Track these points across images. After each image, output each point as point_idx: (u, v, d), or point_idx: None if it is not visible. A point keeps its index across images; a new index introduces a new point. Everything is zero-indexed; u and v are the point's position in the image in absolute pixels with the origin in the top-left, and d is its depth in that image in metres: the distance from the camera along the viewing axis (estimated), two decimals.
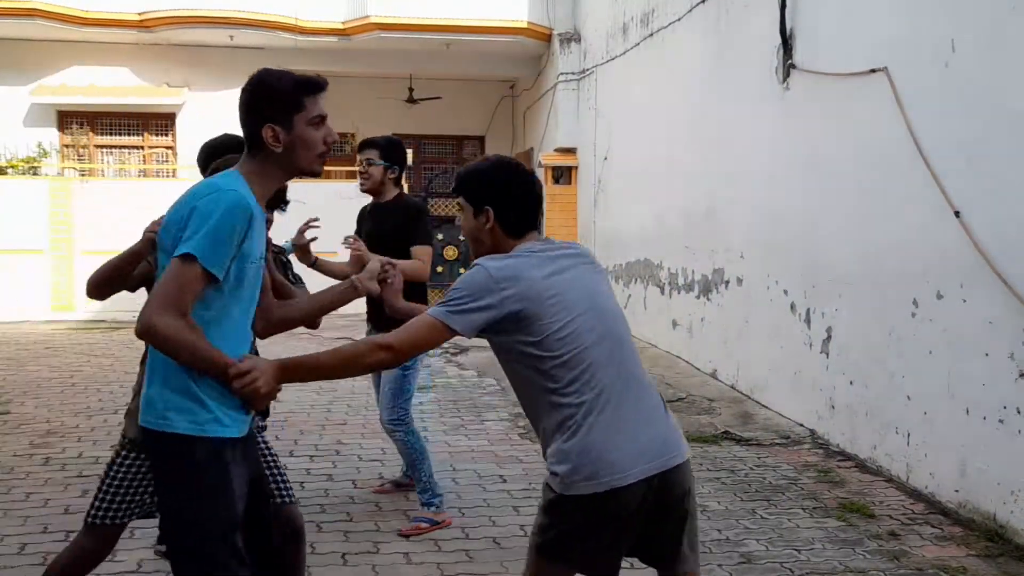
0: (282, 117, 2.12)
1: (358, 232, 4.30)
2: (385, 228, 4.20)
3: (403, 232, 4.16)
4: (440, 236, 12.77)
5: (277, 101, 2.13)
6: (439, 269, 12.74)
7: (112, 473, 2.79)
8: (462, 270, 12.73)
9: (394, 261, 2.60)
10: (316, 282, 3.13)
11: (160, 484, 2.17)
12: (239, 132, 2.24)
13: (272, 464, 2.96)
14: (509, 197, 2.34)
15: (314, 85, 2.16)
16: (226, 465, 2.12)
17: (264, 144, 2.13)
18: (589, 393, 2.18)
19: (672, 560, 2.31)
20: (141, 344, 6.85)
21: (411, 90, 14.94)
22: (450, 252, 12.77)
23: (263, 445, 2.99)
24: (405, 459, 4.31)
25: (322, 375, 2.40)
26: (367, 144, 4.32)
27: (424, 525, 4.11)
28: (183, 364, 2.07)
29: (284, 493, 2.94)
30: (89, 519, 2.82)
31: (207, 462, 2.09)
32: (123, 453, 2.79)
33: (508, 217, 2.33)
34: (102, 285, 3.01)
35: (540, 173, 13.05)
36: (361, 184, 4.32)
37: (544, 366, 2.19)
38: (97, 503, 2.81)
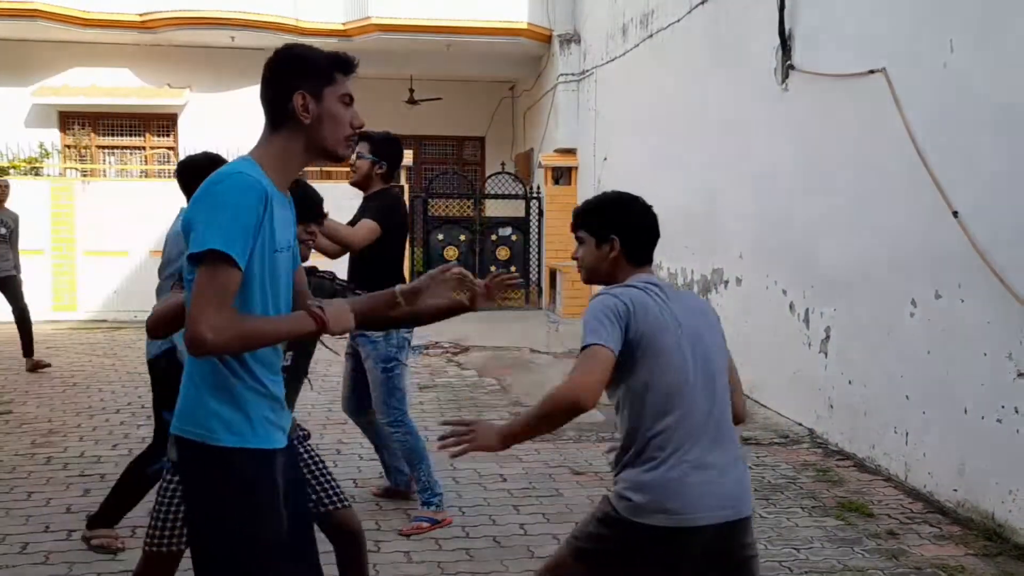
0: (313, 87, 1.98)
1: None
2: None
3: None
4: (440, 236, 12.79)
5: (309, 70, 2.00)
6: None
7: (160, 498, 2.63)
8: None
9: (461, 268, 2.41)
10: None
11: (198, 502, 1.99)
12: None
13: (321, 471, 2.89)
14: (634, 226, 2.44)
15: (346, 63, 2.04)
16: (274, 479, 1.99)
17: (291, 115, 1.97)
18: (680, 431, 2.23)
19: None
20: (142, 345, 6.85)
21: (411, 91, 14.96)
22: (450, 252, 12.77)
23: (311, 451, 2.91)
24: (404, 458, 4.32)
25: (536, 435, 2.35)
26: (361, 137, 4.31)
27: (424, 524, 4.12)
28: (271, 344, 1.96)
29: (336, 499, 2.88)
30: (146, 547, 2.68)
31: (256, 477, 1.96)
32: (168, 477, 2.62)
33: (633, 246, 2.42)
34: (170, 324, 2.80)
35: (540, 174, 13.08)
36: (351, 176, 4.34)
37: (643, 395, 2.25)
38: (151, 531, 2.65)
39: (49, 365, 7.94)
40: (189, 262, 1.87)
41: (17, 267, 8.25)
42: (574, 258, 2.52)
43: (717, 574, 2.28)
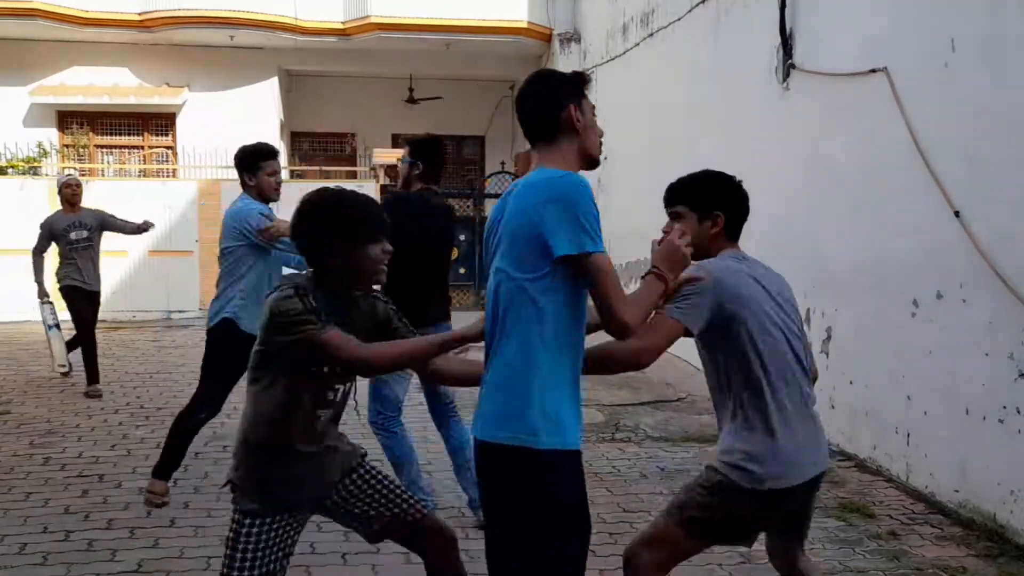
0: (577, 101, 2.22)
1: None
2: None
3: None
4: None
5: (571, 86, 2.24)
6: None
7: (231, 547, 2.47)
8: (462, 270, 12.70)
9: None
10: None
11: (517, 509, 2.06)
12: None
13: (391, 484, 2.70)
14: (735, 203, 2.60)
15: (587, 80, 2.30)
16: (583, 481, 2.13)
17: (566, 127, 2.20)
18: (782, 397, 2.44)
19: (796, 538, 2.68)
20: (141, 345, 6.84)
21: (411, 90, 14.95)
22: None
23: (371, 468, 2.72)
24: (389, 461, 4.24)
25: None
26: (406, 143, 4.49)
27: None
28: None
29: (419, 506, 2.69)
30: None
31: (573, 480, 2.09)
32: (247, 522, 2.48)
33: (733, 221, 2.59)
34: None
35: None
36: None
37: (745, 367, 2.44)
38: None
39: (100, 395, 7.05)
40: (561, 262, 2.02)
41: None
42: (666, 232, 2.57)
43: (788, 517, 2.56)
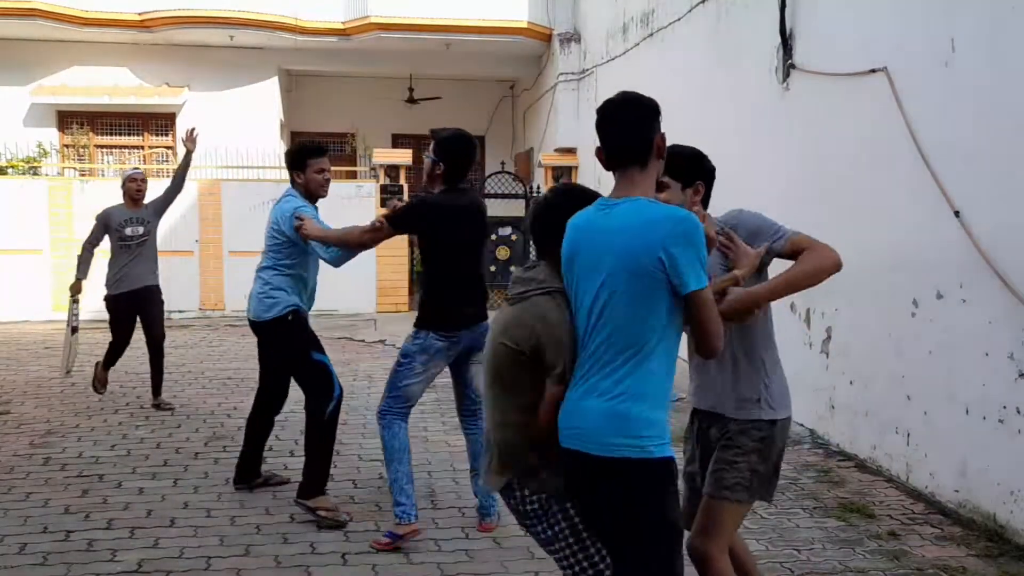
0: (660, 128, 2.32)
1: None
2: None
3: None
4: None
5: (657, 112, 2.33)
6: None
7: (577, 534, 2.40)
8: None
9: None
10: None
11: (644, 509, 2.20)
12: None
13: None
14: (711, 174, 2.77)
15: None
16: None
17: (656, 152, 2.29)
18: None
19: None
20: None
21: (411, 90, 14.95)
22: None
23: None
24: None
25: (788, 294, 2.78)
26: (432, 135, 4.19)
27: (385, 540, 3.91)
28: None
29: None
30: None
31: (674, 479, 2.28)
32: (566, 506, 2.41)
33: (708, 191, 2.76)
34: None
35: (540, 173, 13.06)
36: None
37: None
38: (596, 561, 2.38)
39: (172, 408, 6.55)
40: (676, 291, 2.17)
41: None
42: (726, 243, 2.69)
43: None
